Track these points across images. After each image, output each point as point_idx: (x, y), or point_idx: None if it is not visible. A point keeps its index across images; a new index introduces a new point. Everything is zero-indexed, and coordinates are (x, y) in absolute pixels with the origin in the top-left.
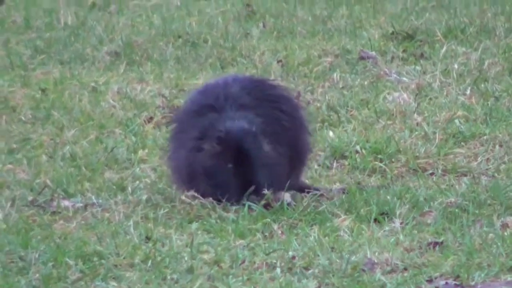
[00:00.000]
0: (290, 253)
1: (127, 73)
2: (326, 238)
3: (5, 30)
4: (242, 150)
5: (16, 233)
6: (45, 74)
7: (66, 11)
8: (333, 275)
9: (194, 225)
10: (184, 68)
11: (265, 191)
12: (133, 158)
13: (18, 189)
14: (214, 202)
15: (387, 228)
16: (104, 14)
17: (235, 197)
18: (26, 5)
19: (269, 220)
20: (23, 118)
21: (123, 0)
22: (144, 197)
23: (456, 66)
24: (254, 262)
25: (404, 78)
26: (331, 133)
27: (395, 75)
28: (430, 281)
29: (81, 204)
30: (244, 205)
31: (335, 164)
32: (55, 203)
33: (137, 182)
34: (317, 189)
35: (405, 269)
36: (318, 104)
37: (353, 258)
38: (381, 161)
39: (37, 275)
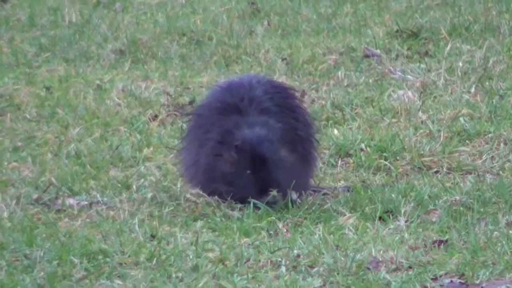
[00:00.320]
0: (295, 251)
1: (132, 71)
2: (331, 236)
3: (9, 28)
4: (259, 157)
5: (21, 231)
6: (50, 72)
7: (71, 9)
8: (338, 273)
9: (199, 223)
10: (189, 66)
11: (274, 192)
12: (138, 156)
13: (23, 187)
14: (219, 200)
15: (392, 226)
16: (109, 12)
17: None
18: (30, 3)
19: (274, 218)
20: (28, 116)
21: None
22: (149, 195)
23: (460, 64)
24: (259, 260)
25: (409, 76)
26: (336, 131)
27: (399, 73)
28: (435, 279)
29: (86, 202)
30: (249, 203)
31: (340, 162)
32: (60, 201)
33: (142, 180)
34: (322, 189)
35: (410, 267)
36: (323, 102)
37: (358, 256)
38: (385, 159)
39: (42, 273)
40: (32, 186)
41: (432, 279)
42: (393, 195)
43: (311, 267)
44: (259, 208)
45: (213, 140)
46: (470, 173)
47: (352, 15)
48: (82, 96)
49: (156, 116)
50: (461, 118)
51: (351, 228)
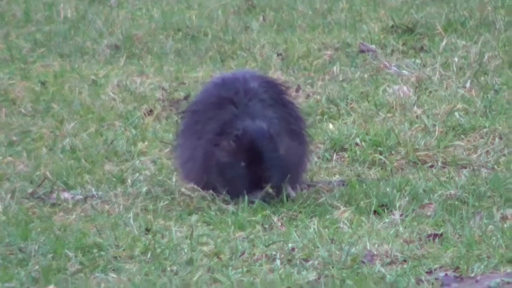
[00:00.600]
0: (290, 245)
1: (127, 66)
2: (326, 230)
3: (5, 23)
4: (256, 150)
5: (16, 225)
6: (45, 67)
7: (66, 4)
8: (332, 267)
9: (194, 217)
10: (184, 61)
11: (268, 187)
12: (133, 151)
13: (18, 181)
14: (214, 194)
15: (386, 220)
16: (104, 7)
17: (241, 195)
18: None
19: (268, 212)
20: (23, 110)
21: None
22: (144, 189)
23: (456, 59)
24: (254, 254)
25: (404, 71)
26: (331, 126)
27: (395, 68)
28: (429, 272)
29: (80, 196)
30: (244, 197)
31: (335, 157)
32: (54, 195)
33: (137, 174)
34: (316, 183)
35: (405, 260)
36: (318, 97)
37: (352, 250)
38: (380, 153)
39: (37, 266)
40: (27, 180)
41: (427, 272)
42: (388, 189)
43: (306, 260)
44: (253, 202)
45: (211, 133)
46: (465, 167)
47: (347, 11)
48: (77, 91)
49: (151, 111)
50: (456, 113)
51: (346, 222)
